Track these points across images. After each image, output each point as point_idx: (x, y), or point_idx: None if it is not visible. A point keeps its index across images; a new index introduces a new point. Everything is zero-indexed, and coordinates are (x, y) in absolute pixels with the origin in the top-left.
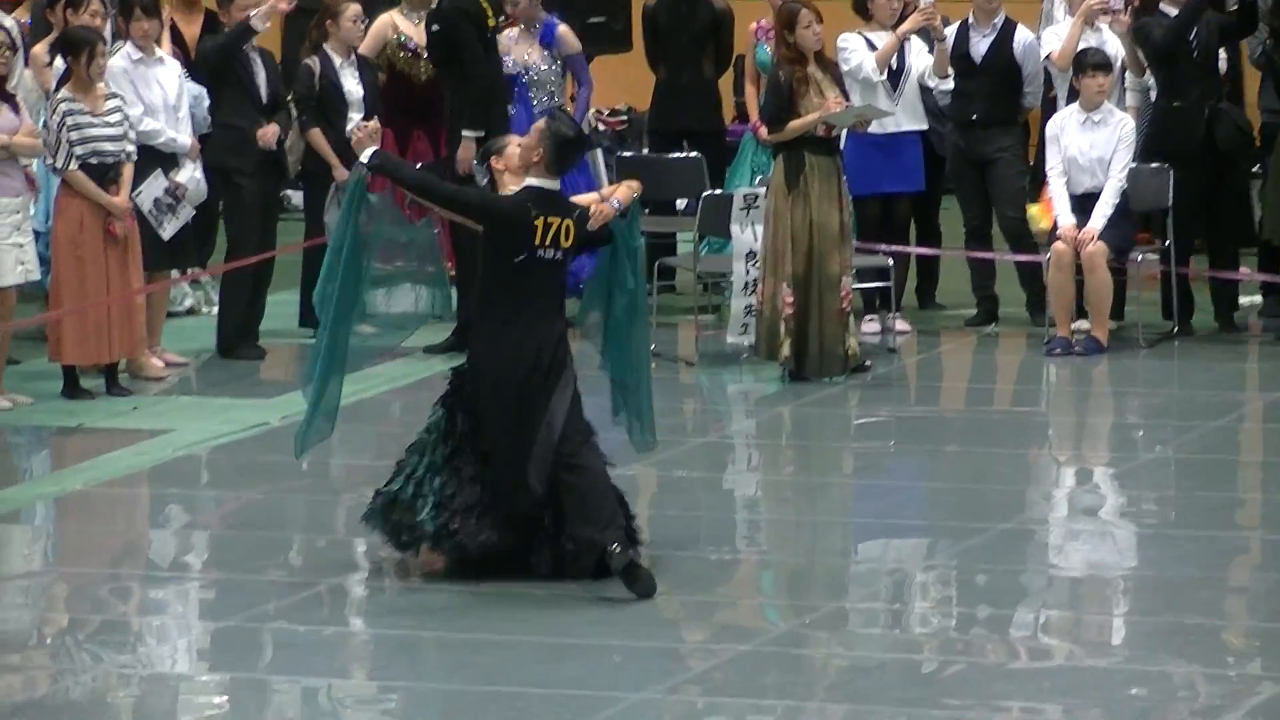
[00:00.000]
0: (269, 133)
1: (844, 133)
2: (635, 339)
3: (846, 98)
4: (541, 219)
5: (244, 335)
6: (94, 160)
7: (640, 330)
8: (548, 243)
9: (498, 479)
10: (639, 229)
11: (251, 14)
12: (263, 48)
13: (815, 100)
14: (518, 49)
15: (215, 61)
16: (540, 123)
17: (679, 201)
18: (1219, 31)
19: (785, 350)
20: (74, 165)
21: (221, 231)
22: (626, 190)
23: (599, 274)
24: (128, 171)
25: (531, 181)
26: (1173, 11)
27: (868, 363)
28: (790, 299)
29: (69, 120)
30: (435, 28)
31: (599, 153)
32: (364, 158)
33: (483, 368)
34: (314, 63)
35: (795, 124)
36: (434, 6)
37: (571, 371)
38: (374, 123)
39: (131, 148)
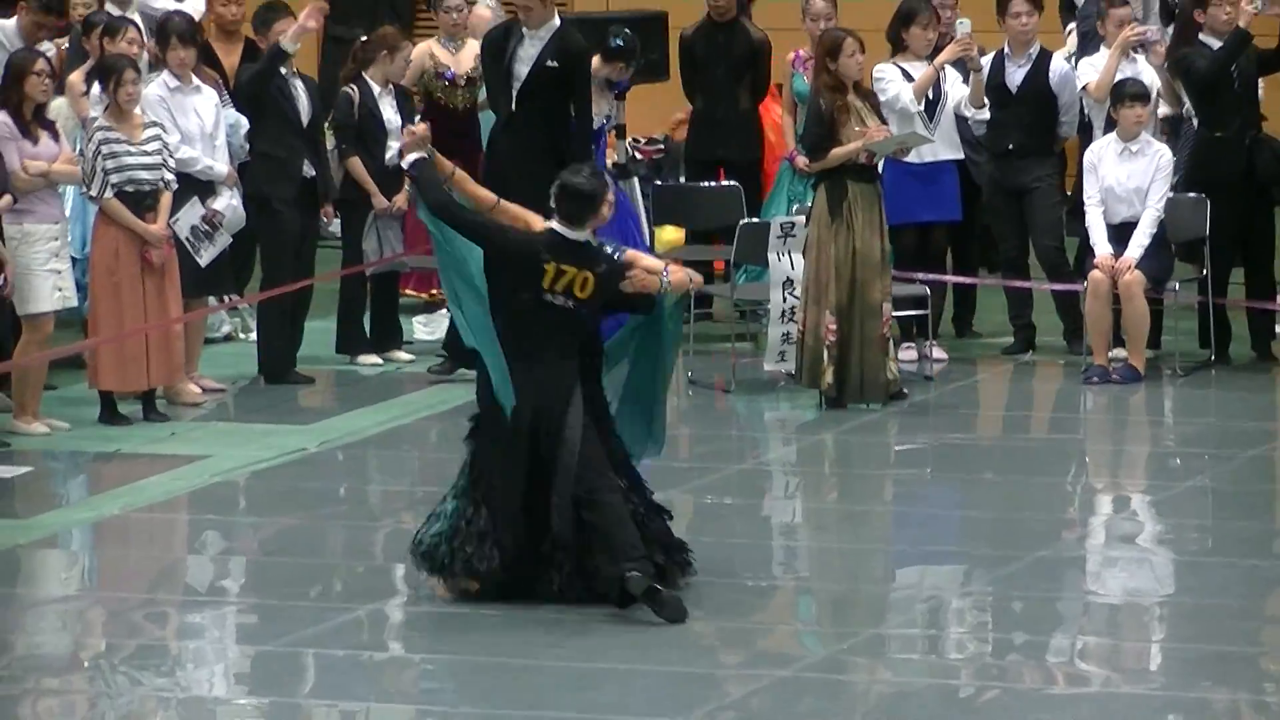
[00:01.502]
0: (329, 213)
1: (882, 161)
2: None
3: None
4: (554, 264)
5: (283, 363)
6: (130, 189)
7: (661, 387)
8: (558, 289)
9: (499, 513)
10: (679, 316)
11: (281, 37)
12: (303, 72)
13: (856, 129)
14: (600, 99)
15: (252, 90)
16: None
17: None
18: (1259, 62)
19: (828, 378)
20: (110, 193)
21: (258, 258)
22: (683, 276)
23: (625, 335)
24: (165, 200)
25: (554, 226)
26: (1213, 42)
27: (904, 390)
28: (833, 326)
29: (104, 149)
30: (555, 64)
31: (635, 181)
32: (407, 162)
33: (489, 403)
34: (353, 91)
35: (838, 152)
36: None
37: (580, 410)
38: (424, 126)
39: (170, 176)
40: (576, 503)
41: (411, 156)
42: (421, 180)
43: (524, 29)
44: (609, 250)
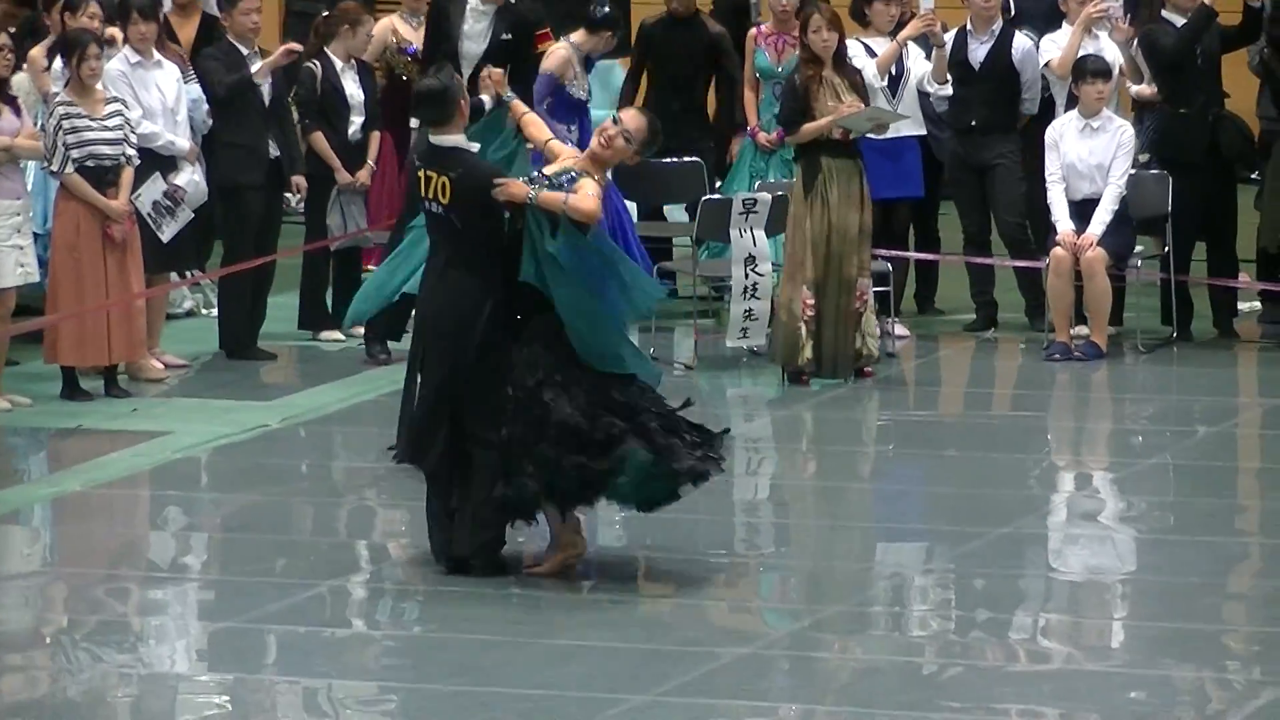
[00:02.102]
0: (300, 185)
1: (858, 136)
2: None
3: (867, 104)
4: (423, 171)
5: (245, 339)
6: (91, 164)
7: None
8: (429, 195)
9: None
10: (553, 235)
11: (254, 67)
12: (264, 49)
13: (830, 104)
14: (580, 78)
15: (223, 96)
16: None
17: (667, 209)
18: (1221, 39)
19: (806, 353)
20: (70, 168)
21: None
22: (572, 196)
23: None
24: (127, 175)
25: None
26: (1176, 19)
27: (868, 369)
28: (811, 302)
29: (65, 123)
30: (509, 36)
31: None
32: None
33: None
34: (315, 66)
35: (808, 127)
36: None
37: (477, 331)
38: (499, 72)
39: (131, 151)
40: (457, 433)
41: (486, 98)
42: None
43: (467, 3)
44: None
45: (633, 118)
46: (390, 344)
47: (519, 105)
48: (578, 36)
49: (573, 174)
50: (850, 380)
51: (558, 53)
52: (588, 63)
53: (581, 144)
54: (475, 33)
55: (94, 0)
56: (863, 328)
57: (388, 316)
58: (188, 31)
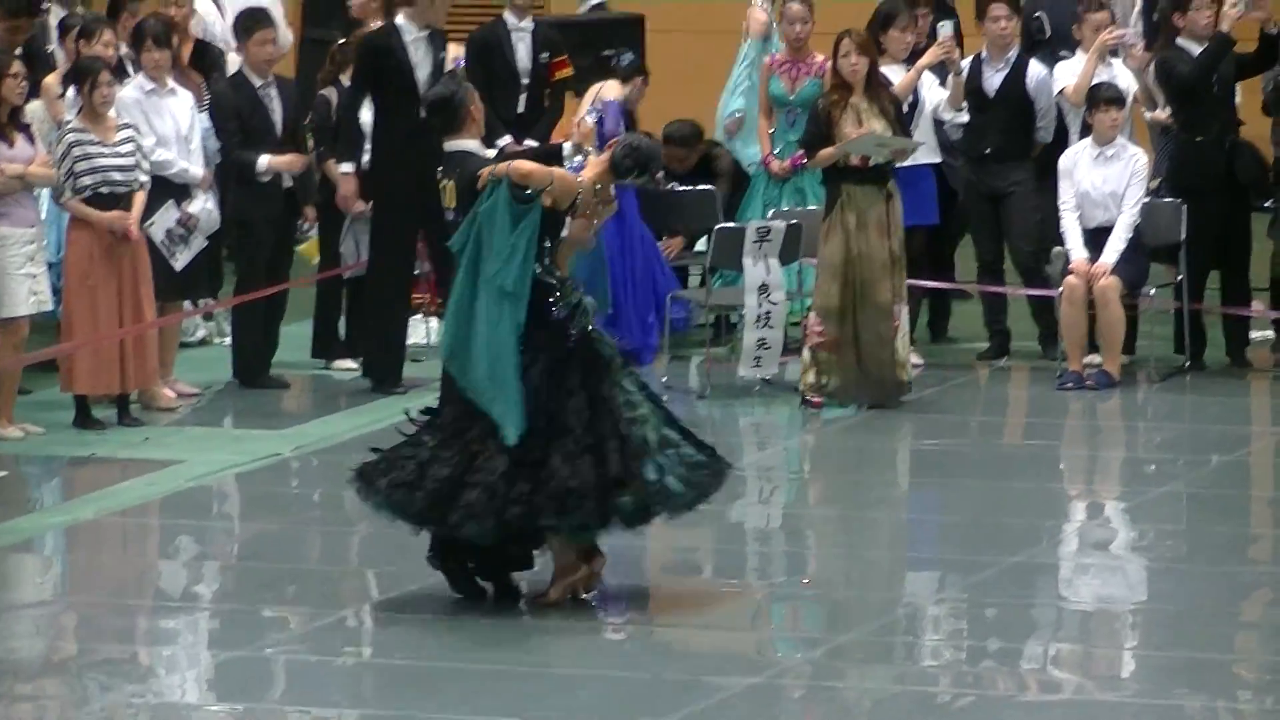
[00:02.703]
0: (282, 162)
1: (880, 161)
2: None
3: (906, 133)
4: (443, 181)
5: (258, 367)
6: (105, 190)
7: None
8: (448, 204)
9: None
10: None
11: (262, 161)
12: (280, 75)
13: (851, 130)
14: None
15: (224, 157)
16: None
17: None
18: (1237, 65)
19: (809, 378)
20: (69, 195)
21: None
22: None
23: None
24: (139, 199)
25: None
26: (1192, 46)
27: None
28: (819, 328)
29: (75, 150)
30: (546, 56)
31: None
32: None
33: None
34: (331, 94)
35: (823, 153)
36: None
37: None
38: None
39: (145, 178)
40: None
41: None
42: None
43: (508, 26)
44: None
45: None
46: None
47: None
48: (614, 87)
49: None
50: (861, 409)
51: (611, 84)
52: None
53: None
54: (522, 55)
55: (109, 28)
56: (898, 356)
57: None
58: (181, 58)
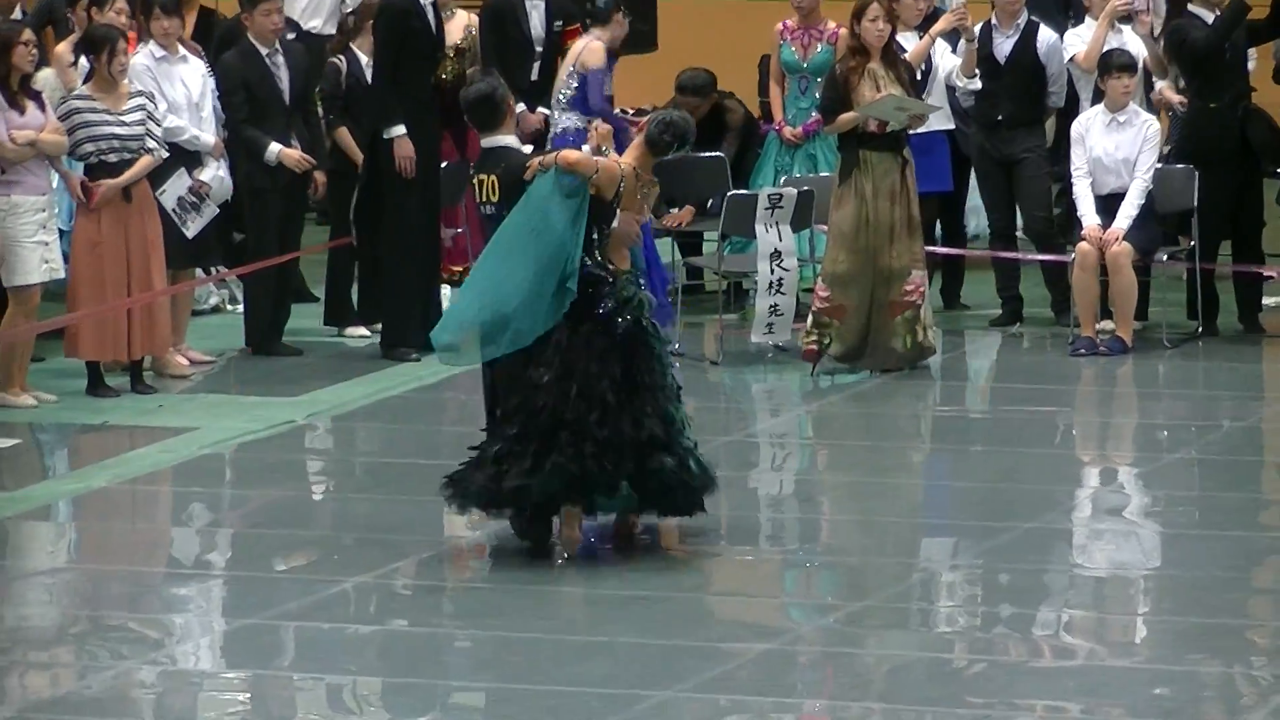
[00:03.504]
0: (291, 157)
1: (899, 127)
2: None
3: (916, 98)
4: (476, 176)
5: (270, 335)
6: (113, 158)
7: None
8: (482, 199)
9: None
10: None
11: (272, 151)
12: (288, 43)
13: (869, 95)
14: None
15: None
16: None
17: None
18: (1249, 32)
19: (810, 341)
20: (65, 163)
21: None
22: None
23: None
24: (142, 163)
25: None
26: (1204, 13)
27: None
28: (825, 293)
29: (76, 118)
30: (560, 24)
31: None
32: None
33: None
34: (341, 61)
35: (843, 118)
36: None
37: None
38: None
39: (154, 144)
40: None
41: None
42: None
43: None
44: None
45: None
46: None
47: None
48: (598, 32)
49: (604, 151)
50: (874, 374)
51: (595, 47)
52: (611, 58)
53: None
54: (537, 23)
55: None
56: (922, 319)
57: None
58: (186, 27)
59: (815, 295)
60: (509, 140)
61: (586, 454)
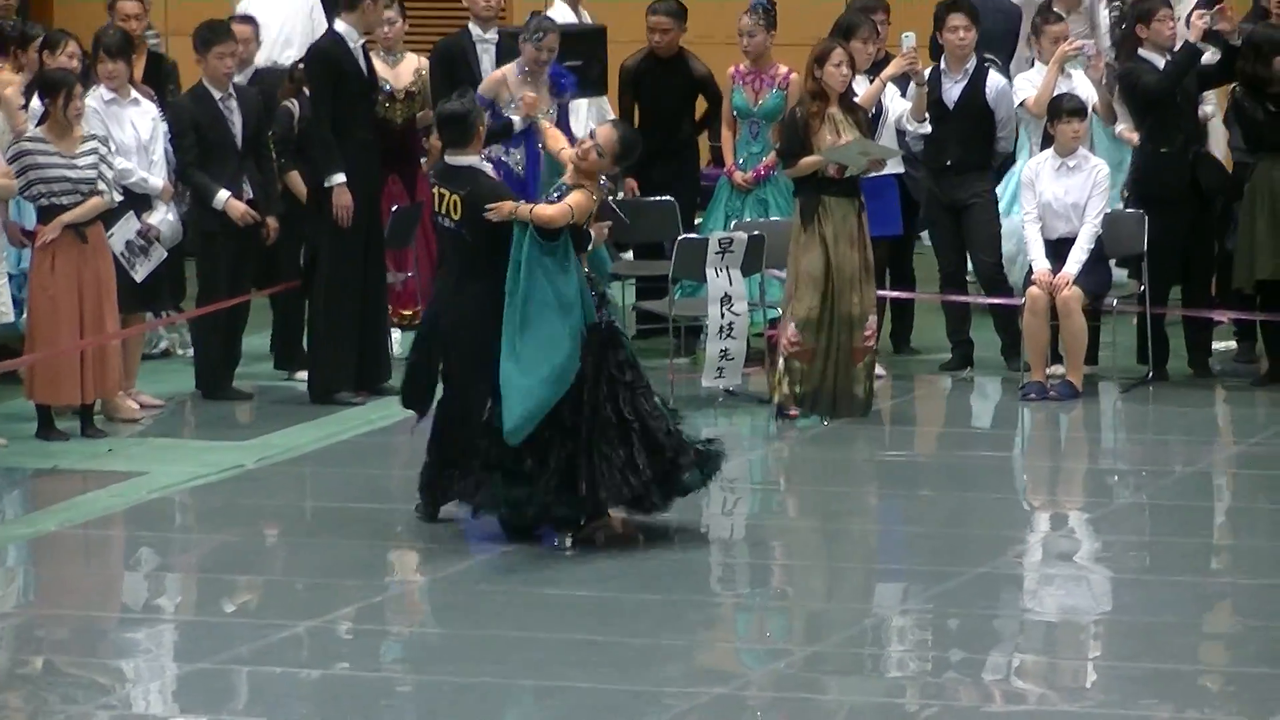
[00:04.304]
0: (236, 210)
1: (855, 172)
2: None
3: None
4: (437, 189)
5: (220, 379)
6: (65, 200)
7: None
8: (442, 211)
9: None
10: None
11: (220, 197)
12: (240, 85)
13: (830, 139)
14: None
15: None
16: None
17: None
18: (1199, 77)
19: (784, 389)
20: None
21: (192, 272)
22: (536, 205)
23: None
24: (90, 204)
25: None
26: (1155, 58)
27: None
28: (795, 339)
29: (26, 159)
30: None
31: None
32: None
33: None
34: (294, 105)
35: (805, 161)
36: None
37: (489, 351)
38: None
39: (104, 187)
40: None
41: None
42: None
43: (473, 37)
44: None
45: (604, 132)
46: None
47: (544, 123)
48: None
49: (564, 187)
50: (827, 420)
51: (491, 75)
52: (558, 89)
53: (528, 167)
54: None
55: (72, 39)
56: (868, 368)
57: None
58: (135, 70)
59: (785, 340)
60: (474, 161)
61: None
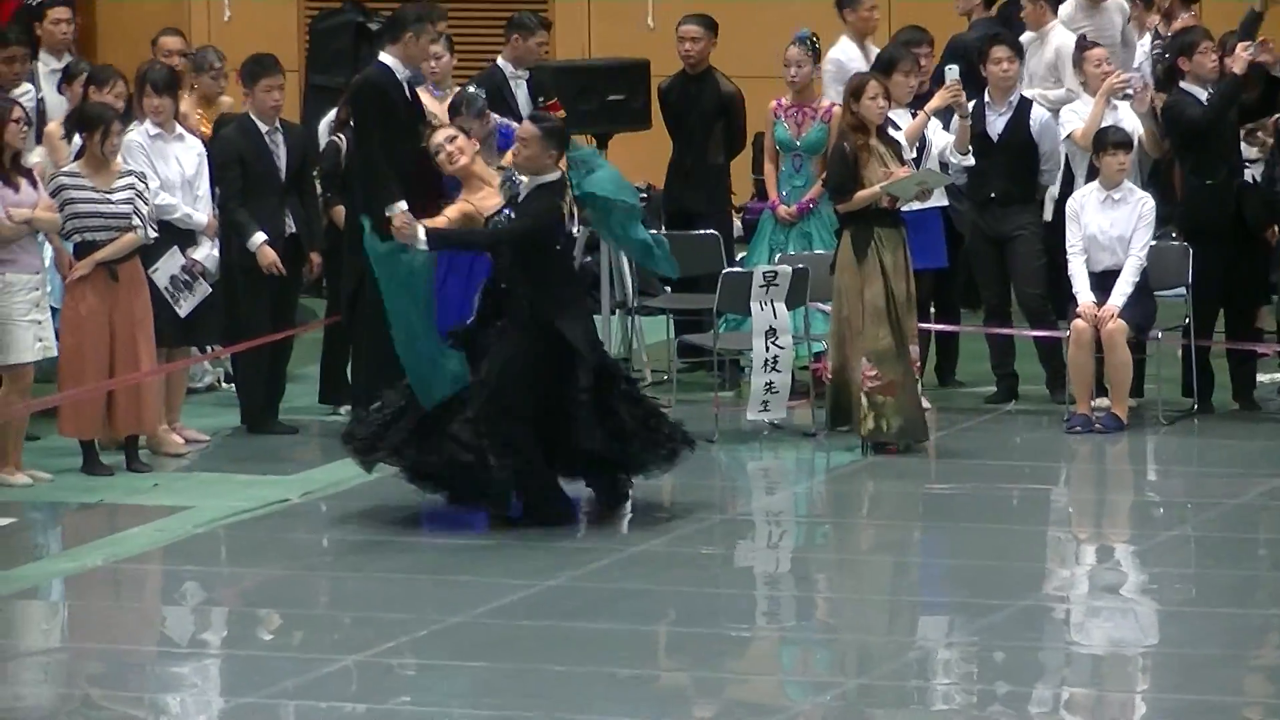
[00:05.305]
0: (266, 257)
1: (904, 204)
2: None
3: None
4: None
5: (265, 413)
6: (99, 236)
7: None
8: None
9: None
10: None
11: (255, 239)
12: (286, 120)
13: (879, 170)
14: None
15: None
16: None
17: None
18: (1240, 109)
19: (869, 424)
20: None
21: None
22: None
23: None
24: (124, 239)
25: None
26: (1196, 90)
27: (891, 445)
28: (873, 373)
29: (62, 195)
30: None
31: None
32: (421, 243)
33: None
34: (340, 140)
35: (862, 194)
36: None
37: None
38: (401, 210)
39: (139, 223)
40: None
41: (420, 234)
42: (451, 243)
43: (505, 73)
44: None
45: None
46: None
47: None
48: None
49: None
50: (867, 452)
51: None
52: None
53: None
54: (523, 101)
55: (120, 79)
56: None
57: None
58: (180, 104)
59: (864, 377)
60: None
61: None
